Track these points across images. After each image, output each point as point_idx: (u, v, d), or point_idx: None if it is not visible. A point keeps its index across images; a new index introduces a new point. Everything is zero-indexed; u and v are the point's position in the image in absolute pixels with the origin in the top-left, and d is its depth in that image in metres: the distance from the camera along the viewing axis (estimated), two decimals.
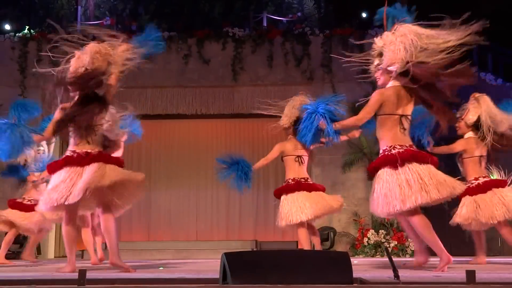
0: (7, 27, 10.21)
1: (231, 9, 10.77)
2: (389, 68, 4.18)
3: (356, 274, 2.72)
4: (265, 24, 10.38)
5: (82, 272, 2.62)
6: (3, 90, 9.44)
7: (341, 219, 9.29)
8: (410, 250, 8.34)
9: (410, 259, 7.38)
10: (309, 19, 10.98)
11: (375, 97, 4.16)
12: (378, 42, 4.29)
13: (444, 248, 4.03)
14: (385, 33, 4.28)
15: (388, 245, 8.33)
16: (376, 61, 4.27)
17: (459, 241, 8.96)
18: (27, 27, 10.05)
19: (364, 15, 10.84)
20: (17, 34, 9.98)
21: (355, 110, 9.82)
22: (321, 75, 9.74)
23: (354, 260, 5.67)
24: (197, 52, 9.81)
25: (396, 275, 2.75)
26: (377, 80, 4.29)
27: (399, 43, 4.09)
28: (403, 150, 4.06)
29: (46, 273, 4.19)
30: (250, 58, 9.68)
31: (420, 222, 4.06)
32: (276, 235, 10.94)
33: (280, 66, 9.79)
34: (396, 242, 8.37)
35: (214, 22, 10.37)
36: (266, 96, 9.87)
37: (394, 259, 3.07)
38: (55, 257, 9.68)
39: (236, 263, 2.61)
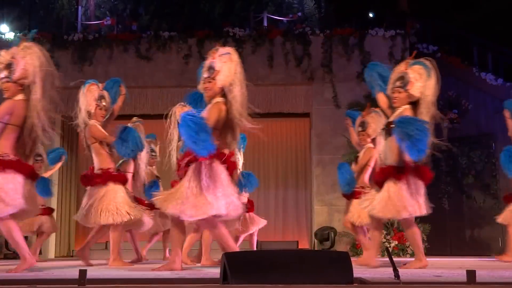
0: (8, 27, 10.21)
1: (232, 9, 10.77)
2: (20, 81, 4.30)
3: (356, 274, 2.72)
4: (265, 24, 10.38)
5: (83, 272, 2.62)
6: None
7: (341, 219, 9.28)
8: (411, 250, 8.34)
9: (411, 259, 7.38)
10: (310, 19, 10.98)
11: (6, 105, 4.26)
12: (5, 55, 4.38)
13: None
14: (14, 48, 4.40)
15: (388, 245, 8.33)
16: (4, 73, 4.33)
17: (459, 241, 8.97)
18: (27, 27, 10.06)
19: (370, 15, 10.85)
20: (17, 34, 9.99)
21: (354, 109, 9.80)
22: (322, 75, 9.74)
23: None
24: (197, 52, 9.81)
25: (397, 275, 2.75)
26: (5, 91, 4.34)
27: (30, 59, 4.30)
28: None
29: (46, 272, 4.20)
30: (250, 58, 9.68)
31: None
32: (276, 235, 10.95)
33: (281, 66, 9.79)
34: (396, 242, 8.37)
35: (214, 22, 10.37)
36: (266, 96, 9.90)
37: (395, 259, 3.08)
38: (55, 257, 9.68)
39: (236, 263, 2.61)
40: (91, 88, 5.42)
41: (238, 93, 4.21)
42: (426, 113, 4.48)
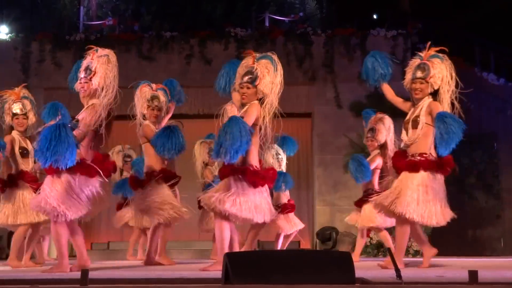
0: (9, 27, 10.22)
1: (233, 9, 10.77)
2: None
3: (358, 274, 2.72)
4: (267, 24, 10.38)
5: (85, 272, 2.62)
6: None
7: (343, 219, 9.27)
8: (413, 250, 8.34)
9: (413, 259, 7.38)
10: (311, 19, 10.98)
11: None
12: None
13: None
14: None
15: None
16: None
17: (461, 241, 8.97)
18: (29, 27, 10.08)
19: (374, 16, 10.85)
20: (19, 34, 10.01)
21: (356, 109, 9.84)
22: (323, 75, 9.74)
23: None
24: (199, 53, 9.81)
25: (399, 275, 2.75)
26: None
27: None
28: None
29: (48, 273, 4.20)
30: None
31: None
32: None
33: (282, 66, 9.73)
34: None
35: (216, 22, 10.37)
36: None
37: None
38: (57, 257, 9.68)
39: (238, 263, 2.61)
40: (143, 89, 5.47)
41: (109, 96, 4.24)
42: (269, 109, 4.33)
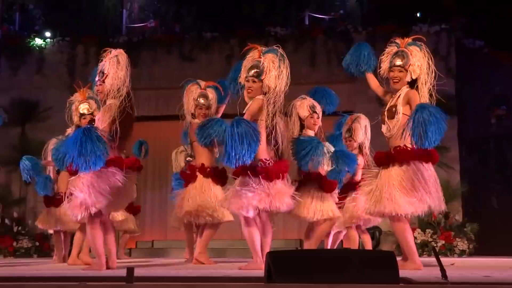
0: (56, 31, 10.51)
1: (273, 8, 10.77)
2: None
3: (402, 273, 2.69)
4: (307, 22, 10.34)
5: (130, 270, 2.68)
6: (52, 93, 9.74)
7: (386, 218, 9.15)
8: (458, 249, 8.17)
9: (459, 259, 7.23)
10: (352, 16, 10.87)
11: None
12: None
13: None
14: None
15: (435, 245, 8.18)
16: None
17: (509, 241, 8.72)
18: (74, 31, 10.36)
19: (418, 15, 10.68)
20: (65, 38, 10.29)
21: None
22: None
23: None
24: (239, 52, 9.85)
25: (444, 275, 2.71)
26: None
27: None
28: None
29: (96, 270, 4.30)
30: (292, 57, 9.55)
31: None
32: None
33: (323, 65, 9.73)
34: (443, 242, 8.20)
35: (256, 22, 10.39)
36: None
37: (442, 258, 3.02)
38: None
39: (280, 262, 2.62)
40: (191, 88, 5.52)
41: (121, 95, 4.25)
42: (273, 103, 4.28)
